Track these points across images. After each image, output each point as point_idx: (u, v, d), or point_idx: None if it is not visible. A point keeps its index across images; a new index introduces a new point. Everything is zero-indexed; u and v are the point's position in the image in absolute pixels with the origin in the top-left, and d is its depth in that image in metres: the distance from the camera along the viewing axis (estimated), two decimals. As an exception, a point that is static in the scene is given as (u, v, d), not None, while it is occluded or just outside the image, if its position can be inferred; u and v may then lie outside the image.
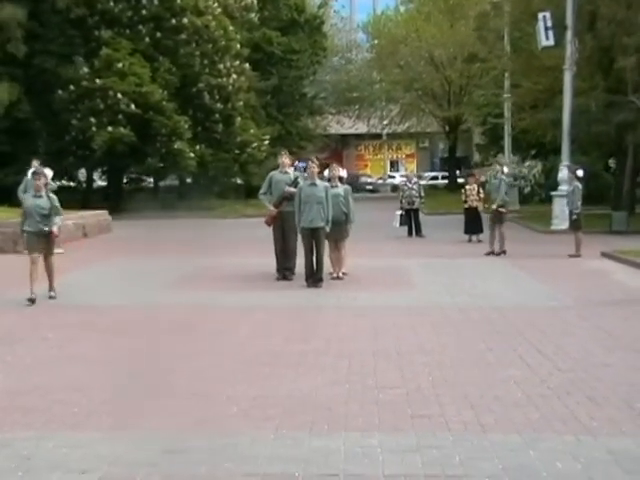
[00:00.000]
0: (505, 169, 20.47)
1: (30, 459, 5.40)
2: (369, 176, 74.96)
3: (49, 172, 14.32)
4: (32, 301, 11.65)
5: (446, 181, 56.86)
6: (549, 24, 23.85)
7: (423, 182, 62.11)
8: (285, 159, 14.38)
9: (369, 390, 7.03)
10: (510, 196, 34.99)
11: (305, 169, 51.41)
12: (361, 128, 61.44)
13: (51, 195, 12.61)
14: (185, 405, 6.64)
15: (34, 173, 13.19)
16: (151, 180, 46.84)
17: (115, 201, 37.81)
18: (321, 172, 14.96)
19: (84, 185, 41.49)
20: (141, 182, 47.84)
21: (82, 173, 41.46)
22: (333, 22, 58.59)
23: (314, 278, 13.26)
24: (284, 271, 14.09)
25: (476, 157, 56.06)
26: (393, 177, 71.53)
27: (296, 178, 13.88)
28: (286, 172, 14.17)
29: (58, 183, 42.99)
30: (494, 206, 18.80)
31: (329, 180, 14.48)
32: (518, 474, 5.10)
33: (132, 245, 21.69)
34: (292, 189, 13.61)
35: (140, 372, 7.78)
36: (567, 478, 5.06)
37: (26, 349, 8.85)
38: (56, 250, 18.98)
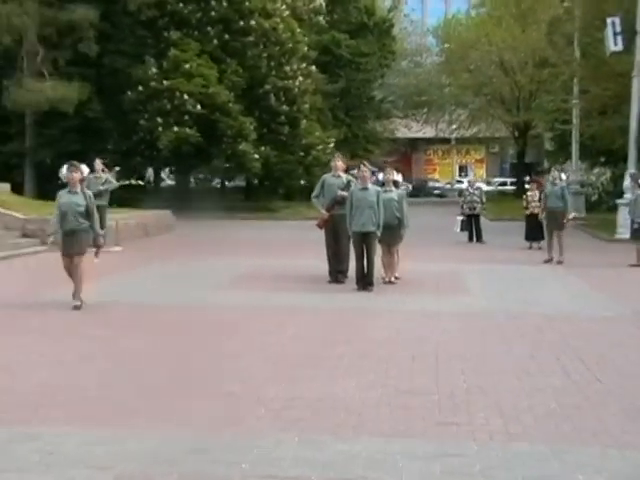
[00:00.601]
0: (563, 176, 20.11)
1: (53, 454, 5.46)
2: (437, 180, 74.63)
3: (85, 168, 13.80)
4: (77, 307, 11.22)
5: (514, 187, 56.23)
6: (618, 29, 23.43)
7: (492, 188, 62.15)
8: (338, 162, 14.37)
9: (401, 395, 6.98)
10: (576, 203, 34.72)
11: (374, 173, 51.39)
12: (429, 132, 61.23)
13: (87, 191, 11.73)
14: (215, 405, 6.67)
15: (71, 165, 11.93)
16: (219, 181, 47.43)
17: (182, 201, 38.31)
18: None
19: (152, 184, 42.14)
20: (209, 183, 48.48)
21: (150, 172, 42.16)
22: (403, 26, 58.46)
23: (364, 282, 13.23)
24: (336, 274, 14.09)
25: (546, 163, 55.38)
26: (461, 182, 71.00)
27: (349, 182, 13.87)
28: (339, 176, 14.14)
29: (127, 182, 43.97)
30: (571, 216, 18.54)
31: (383, 184, 14.45)
32: (537, 485, 5.03)
33: (192, 245, 21.93)
34: (344, 193, 13.60)
35: (176, 371, 7.84)
36: (587, 491, 4.96)
37: (69, 345, 9.00)
38: (114, 248, 19.51)
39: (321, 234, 14.53)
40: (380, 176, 15.55)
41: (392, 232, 13.89)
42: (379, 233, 13.18)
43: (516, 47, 48.08)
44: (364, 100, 48.83)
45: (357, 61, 46.44)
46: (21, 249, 18.66)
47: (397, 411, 6.52)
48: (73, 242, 11.36)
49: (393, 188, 14.32)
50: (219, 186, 47.98)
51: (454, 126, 57.89)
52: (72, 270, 11.38)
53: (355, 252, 13.37)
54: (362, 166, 13.51)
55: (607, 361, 8.38)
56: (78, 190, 11.51)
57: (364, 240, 13.16)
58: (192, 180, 44.96)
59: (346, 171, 14.74)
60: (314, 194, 14.29)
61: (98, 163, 19.96)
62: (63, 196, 11.50)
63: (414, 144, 78.27)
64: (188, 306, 11.81)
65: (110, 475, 5.08)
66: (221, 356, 8.52)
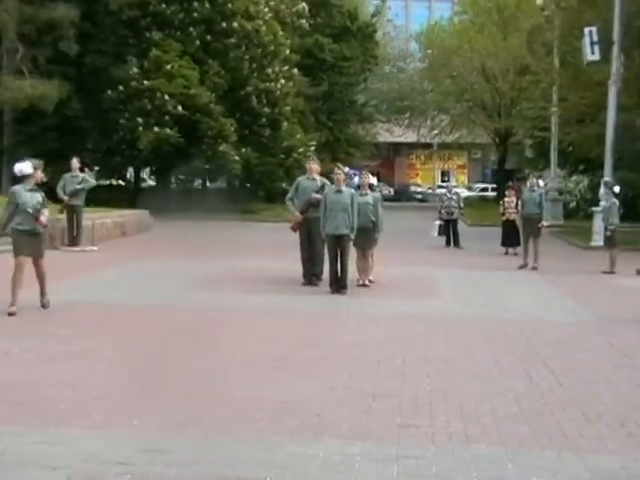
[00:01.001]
0: (541, 183, 20.21)
1: (4, 454, 5.42)
2: (419, 185, 74.81)
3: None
4: (13, 314, 10.45)
5: (495, 193, 56.42)
6: (595, 39, 23.61)
7: (473, 193, 62.34)
8: (313, 165, 14.39)
9: (363, 398, 7.00)
10: (554, 211, 34.88)
11: (355, 176, 51.15)
12: (411, 137, 61.36)
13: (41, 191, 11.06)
14: (175, 405, 6.67)
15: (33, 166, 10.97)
16: (200, 182, 47.31)
17: (162, 201, 38.21)
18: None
19: (132, 184, 42.01)
20: (190, 183, 48.33)
21: (131, 172, 42.02)
22: (386, 31, 58.59)
23: (338, 285, 13.25)
24: (310, 277, 14.10)
25: (526, 170, 55.63)
26: (443, 187, 71.19)
27: (323, 184, 13.88)
28: (313, 179, 14.14)
29: (107, 182, 43.81)
30: (546, 223, 18.62)
31: (358, 187, 14.49)
32: (491, 488, 5.07)
33: (168, 245, 21.88)
34: (318, 196, 13.61)
35: (139, 371, 7.82)
36: (539, 494, 5.00)
37: (33, 344, 8.93)
38: (90, 247, 19.47)
39: (297, 237, 14.53)
40: (356, 179, 15.56)
41: (367, 235, 13.94)
42: (353, 236, 13.21)
43: (498, 54, 48.34)
44: (346, 104, 48.89)
45: (340, 65, 46.52)
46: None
47: (358, 414, 6.55)
48: (35, 243, 10.89)
49: (369, 191, 14.35)
50: (200, 187, 47.85)
51: (436, 131, 58.08)
52: (36, 272, 11.06)
53: (329, 255, 13.39)
54: (336, 168, 13.51)
55: (570, 367, 8.43)
56: (37, 188, 10.94)
57: (338, 243, 13.17)
58: (173, 181, 44.79)
59: (326, 175, 14.79)
60: (288, 196, 14.31)
61: (75, 162, 19.89)
62: (22, 194, 10.74)
63: (397, 149, 78.50)
64: (155, 306, 11.78)
65: (62, 475, 5.06)
66: (183, 357, 8.51)
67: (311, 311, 11.70)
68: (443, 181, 78.96)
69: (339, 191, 13.19)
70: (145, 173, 43.59)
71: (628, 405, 6.99)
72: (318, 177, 14.19)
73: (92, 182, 20.10)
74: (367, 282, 14.09)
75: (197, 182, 48.82)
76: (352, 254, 13.85)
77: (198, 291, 13.36)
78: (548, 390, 7.46)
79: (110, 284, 13.97)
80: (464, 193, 61.40)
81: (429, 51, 54.78)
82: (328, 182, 13.91)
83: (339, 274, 13.30)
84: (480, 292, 14.23)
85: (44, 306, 11.07)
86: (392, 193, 68.38)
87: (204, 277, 15.04)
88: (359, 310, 11.86)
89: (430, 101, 55.34)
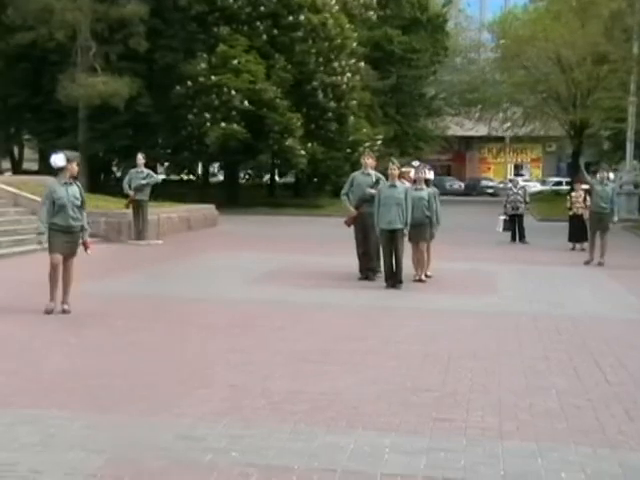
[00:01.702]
0: (612, 175, 19.78)
1: (54, 436, 5.64)
2: (491, 179, 74.03)
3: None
4: (50, 312, 10.27)
5: (569, 187, 55.51)
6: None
7: (546, 187, 61.36)
8: (368, 160, 14.38)
9: (403, 391, 7.02)
10: (629, 204, 34.13)
11: (425, 172, 51.01)
12: (482, 130, 60.72)
13: (79, 184, 10.72)
14: (217, 395, 6.78)
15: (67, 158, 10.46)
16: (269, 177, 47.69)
17: (230, 196, 38.68)
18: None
19: (201, 179, 42.59)
20: (259, 179, 48.79)
21: (200, 168, 42.58)
22: (458, 21, 58.03)
23: (393, 279, 13.25)
24: (366, 271, 14.11)
25: (602, 163, 54.58)
26: (512, 181, 70.26)
27: (378, 179, 13.87)
28: (368, 174, 14.13)
29: (177, 177, 44.47)
30: (615, 219, 18.25)
31: (414, 182, 14.44)
32: (517, 482, 5.05)
33: (232, 239, 22.14)
34: (372, 191, 13.61)
35: (188, 362, 7.98)
36: (565, 489, 4.97)
37: (91, 334, 9.21)
38: (155, 241, 19.82)
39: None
40: (431, 174, 15.22)
41: (421, 230, 13.89)
42: (406, 231, 13.18)
43: (574, 42, 47.19)
44: (415, 97, 48.72)
45: (409, 57, 46.34)
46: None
47: (395, 407, 6.57)
48: (72, 241, 10.50)
49: (424, 187, 14.29)
50: (269, 182, 48.23)
51: (508, 124, 57.24)
52: (63, 272, 10.48)
53: (383, 250, 13.40)
54: (390, 164, 13.50)
55: (621, 363, 8.31)
56: (72, 181, 10.53)
57: (392, 238, 13.16)
58: (242, 176, 45.23)
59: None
60: (343, 191, 14.34)
61: (140, 158, 20.23)
62: (57, 189, 10.36)
63: (468, 142, 77.84)
64: (209, 299, 11.96)
65: (103, 458, 5.23)
66: (232, 349, 8.62)
67: (363, 305, 11.73)
68: (516, 175, 78.23)
69: (393, 186, 13.17)
70: (214, 168, 44.04)
71: (674, 402, 6.87)
72: (373, 172, 14.18)
73: (156, 178, 20.43)
74: (423, 277, 14.03)
75: (266, 177, 49.25)
76: (407, 249, 13.82)
77: (254, 285, 13.51)
78: (594, 387, 7.37)
79: (169, 277, 14.22)
80: (536, 187, 60.86)
81: (502, 41, 53.94)
82: (383, 177, 13.88)
83: (394, 269, 13.28)
84: (540, 288, 14.08)
85: (64, 312, 10.33)
86: (462, 188, 67.96)
87: (263, 271, 15.19)
88: (412, 305, 11.84)
89: (502, 93, 54.58)
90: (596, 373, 7.89)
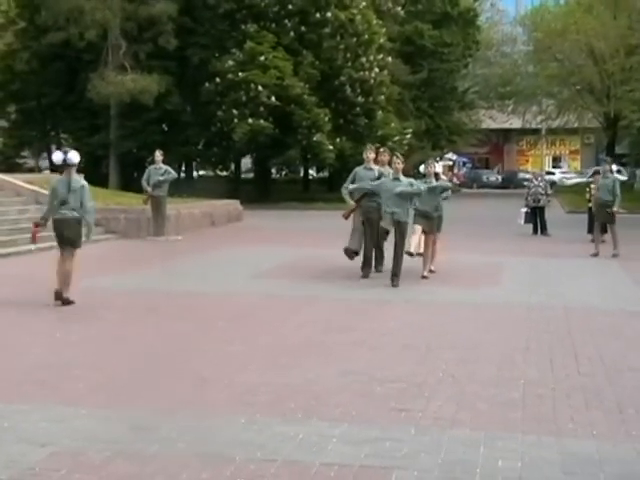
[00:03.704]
0: (614, 168, 19.49)
1: (7, 430, 5.77)
2: (527, 172, 73.43)
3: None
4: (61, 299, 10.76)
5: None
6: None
7: (583, 179, 60.72)
8: (370, 154, 14.42)
9: (371, 382, 7.12)
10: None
11: (464, 164, 51.35)
12: (516, 123, 60.35)
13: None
14: (183, 387, 6.94)
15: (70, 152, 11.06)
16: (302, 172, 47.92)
17: (262, 191, 38.98)
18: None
19: (233, 175, 42.94)
20: (293, 173, 49.06)
21: (231, 163, 42.91)
22: (489, 15, 57.78)
23: (392, 275, 13.06)
24: (368, 265, 14.09)
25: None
26: (553, 174, 69.89)
27: (380, 174, 13.91)
28: (370, 168, 14.18)
29: (203, 173, 44.79)
30: (615, 209, 18.14)
31: (424, 176, 14.47)
32: (450, 469, 5.12)
33: (252, 234, 22.33)
34: (373, 183, 13.65)
35: (165, 355, 8.16)
36: (497, 475, 5.03)
37: (78, 328, 9.41)
38: (174, 237, 20.09)
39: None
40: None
41: (429, 222, 13.90)
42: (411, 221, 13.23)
43: (606, 34, 46.91)
44: (447, 91, 48.59)
45: (440, 51, 46.27)
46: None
47: (357, 397, 6.68)
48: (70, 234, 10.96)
49: (433, 180, 14.32)
50: (302, 177, 48.47)
51: (541, 117, 56.86)
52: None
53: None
54: (395, 157, 13.56)
55: (599, 355, 8.33)
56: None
57: (395, 230, 13.19)
58: (274, 171, 45.49)
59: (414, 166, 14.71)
60: (344, 185, 14.39)
61: (158, 154, 20.49)
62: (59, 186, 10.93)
63: (506, 135, 77.35)
64: (211, 294, 12.15)
65: (48, 451, 5.37)
66: (216, 342, 8.80)
67: (359, 299, 11.83)
68: (554, 167, 77.62)
69: (396, 179, 13.24)
70: (246, 164, 44.39)
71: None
72: (376, 167, 14.24)
73: (174, 174, 20.67)
74: (425, 274, 13.83)
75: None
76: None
77: (260, 279, 13.67)
78: (563, 377, 7.42)
79: (175, 272, 14.46)
80: (574, 179, 60.37)
81: (534, 34, 53.64)
82: (386, 171, 13.90)
83: (394, 262, 13.25)
84: (544, 280, 14.09)
85: (63, 302, 10.67)
86: (499, 180, 67.59)
87: (272, 265, 15.35)
88: (410, 297, 11.90)
89: (535, 86, 54.24)
90: (570, 364, 7.92)
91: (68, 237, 10.88)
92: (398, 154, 14.14)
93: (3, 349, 8.35)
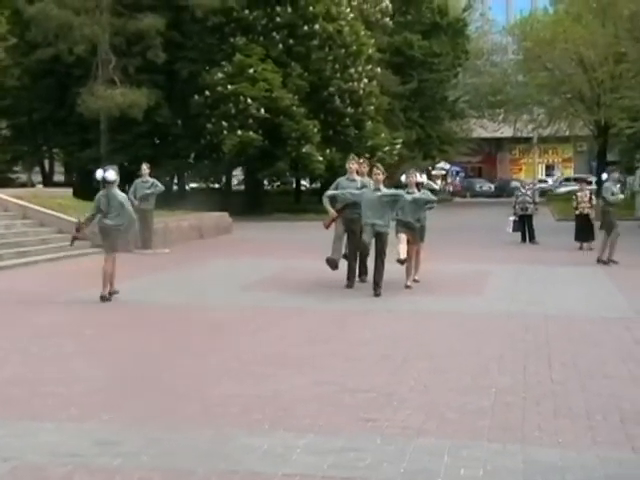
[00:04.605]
0: (604, 176, 19.42)
1: (-30, 444, 5.78)
2: (521, 181, 73.58)
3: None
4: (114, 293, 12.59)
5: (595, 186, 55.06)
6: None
7: (575, 187, 60.85)
8: (352, 165, 14.41)
9: (342, 393, 7.11)
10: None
11: (457, 173, 51.29)
12: (507, 132, 60.53)
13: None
14: (156, 401, 6.92)
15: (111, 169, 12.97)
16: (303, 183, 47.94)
17: (252, 203, 39.01)
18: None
19: (223, 187, 43.00)
20: (285, 185, 49.11)
21: (221, 176, 42.99)
22: (479, 25, 58.00)
23: (374, 284, 13.06)
24: (352, 276, 14.12)
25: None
26: (545, 182, 70.14)
27: (363, 185, 13.90)
28: (353, 179, 14.16)
29: (195, 185, 44.80)
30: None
31: (405, 186, 14.50)
32: (412, 477, 5.12)
33: (240, 246, 22.34)
34: (355, 191, 13.63)
35: (139, 368, 8.14)
36: (458, 486, 5.06)
37: (55, 342, 9.39)
38: (161, 250, 20.10)
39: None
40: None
41: (412, 232, 13.89)
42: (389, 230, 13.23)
43: (595, 42, 47.12)
44: (438, 100, 48.74)
45: (430, 61, 46.45)
46: (71, 251, 19.24)
47: (326, 408, 6.68)
48: (108, 240, 12.86)
49: (415, 190, 14.33)
50: (294, 188, 48.54)
51: (531, 125, 57.03)
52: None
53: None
54: (375, 168, 13.58)
55: (574, 362, 8.33)
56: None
57: (376, 241, 13.22)
58: (266, 183, 45.54)
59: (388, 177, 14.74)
60: (326, 194, 14.38)
61: (144, 167, 20.52)
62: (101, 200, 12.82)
63: (499, 144, 77.65)
64: (189, 306, 12.15)
65: (9, 466, 5.36)
66: (193, 355, 8.79)
67: (343, 309, 11.83)
68: (548, 175, 77.87)
69: (377, 189, 13.26)
70: (238, 176, 44.44)
71: (610, 399, 6.89)
72: (358, 177, 14.23)
73: (161, 187, 20.68)
74: (409, 284, 13.82)
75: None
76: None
77: (245, 292, 13.62)
78: (535, 385, 7.42)
79: (158, 285, 14.43)
80: (568, 187, 60.48)
81: (523, 43, 53.84)
82: (368, 183, 13.90)
83: (374, 272, 13.27)
84: (530, 288, 14.11)
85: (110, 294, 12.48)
86: (492, 189, 67.77)
87: (257, 277, 15.35)
88: (392, 307, 11.90)
89: (526, 94, 54.42)
90: (544, 372, 7.93)
91: (108, 242, 12.73)
92: (379, 165, 14.14)
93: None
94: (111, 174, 12.70)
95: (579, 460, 5.47)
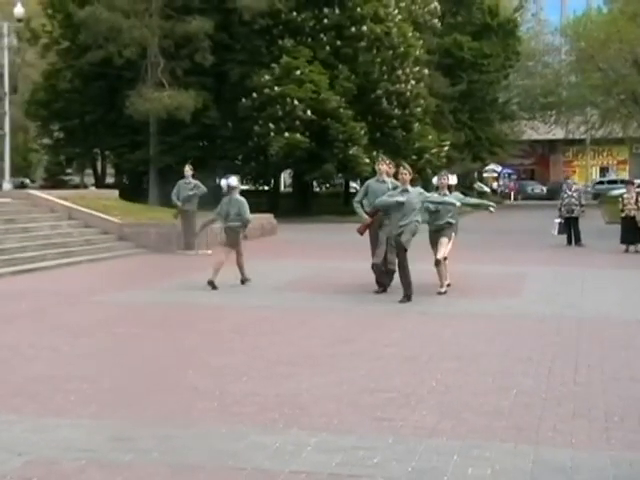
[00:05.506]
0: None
1: (-11, 439, 5.89)
2: (575, 183, 72.67)
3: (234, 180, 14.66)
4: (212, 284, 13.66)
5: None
6: None
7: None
8: (382, 166, 14.17)
9: (361, 393, 7.12)
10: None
11: (509, 175, 50.69)
12: (559, 134, 59.82)
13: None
14: (175, 399, 6.97)
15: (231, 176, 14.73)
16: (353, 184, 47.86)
17: (300, 204, 39.13)
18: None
19: (272, 189, 43.17)
20: (335, 187, 49.12)
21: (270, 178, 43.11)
22: (530, 25, 57.43)
23: (404, 294, 12.77)
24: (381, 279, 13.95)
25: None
26: (602, 183, 69.15)
27: (395, 187, 13.60)
28: (383, 181, 13.88)
29: (245, 187, 45.03)
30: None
31: (437, 188, 14.37)
32: (418, 476, 5.12)
33: (283, 248, 22.45)
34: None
35: (166, 367, 8.20)
36: (463, 485, 5.03)
37: (87, 341, 9.54)
38: (204, 251, 20.25)
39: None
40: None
41: (445, 234, 13.75)
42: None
43: (650, 43, 46.36)
44: (488, 102, 48.37)
45: (480, 63, 46.13)
46: (115, 251, 19.55)
47: (344, 407, 6.68)
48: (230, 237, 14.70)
49: (447, 192, 14.19)
50: (342, 189, 48.53)
51: (584, 127, 56.27)
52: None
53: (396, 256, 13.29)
54: (401, 168, 13.25)
55: (601, 365, 8.23)
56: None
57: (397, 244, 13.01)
58: (315, 184, 45.60)
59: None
60: (356, 199, 14.05)
61: (188, 169, 20.70)
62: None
63: (552, 146, 76.78)
64: (221, 306, 12.22)
65: (23, 460, 5.46)
66: (219, 353, 8.86)
67: (374, 310, 11.81)
68: (602, 177, 76.77)
69: (405, 191, 13.00)
70: (285, 178, 44.58)
71: (632, 401, 6.80)
72: (388, 179, 14.00)
73: (203, 188, 20.82)
74: (441, 290, 13.43)
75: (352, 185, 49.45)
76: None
77: (278, 292, 13.70)
78: (557, 387, 7.35)
79: (197, 286, 14.49)
80: (619, 190, 59.60)
81: (577, 44, 53.17)
82: (399, 184, 13.67)
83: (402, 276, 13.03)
84: (567, 290, 13.95)
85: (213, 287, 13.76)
86: (545, 192, 67.01)
87: (293, 278, 15.43)
88: (424, 309, 11.82)
89: (578, 96, 53.73)
90: (568, 374, 7.84)
91: (230, 240, 14.42)
92: (405, 164, 13.70)
93: (8, 361, 8.49)
94: (234, 180, 14.47)
95: (590, 461, 5.41)
